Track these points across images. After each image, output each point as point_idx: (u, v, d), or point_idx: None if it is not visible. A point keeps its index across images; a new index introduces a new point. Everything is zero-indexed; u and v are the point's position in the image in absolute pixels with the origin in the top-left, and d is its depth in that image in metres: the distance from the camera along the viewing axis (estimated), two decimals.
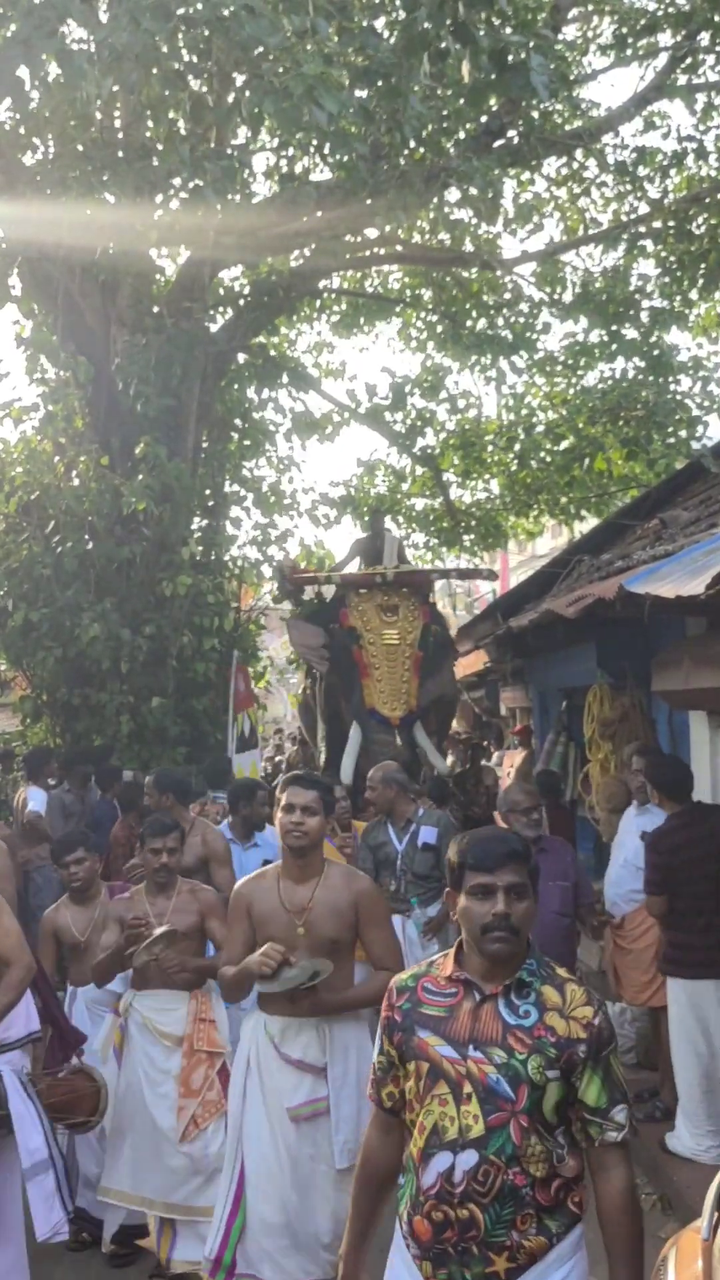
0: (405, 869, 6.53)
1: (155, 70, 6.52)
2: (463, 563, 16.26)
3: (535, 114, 10.20)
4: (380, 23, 7.80)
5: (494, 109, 10.16)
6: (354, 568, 11.09)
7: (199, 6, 6.09)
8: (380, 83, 6.69)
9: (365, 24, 6.78)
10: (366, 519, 13.10)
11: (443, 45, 6.47)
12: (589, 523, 15.16)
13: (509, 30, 7.13)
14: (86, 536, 10.33)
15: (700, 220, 12.15)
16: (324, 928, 3.94)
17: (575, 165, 12.56)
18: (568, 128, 11.69)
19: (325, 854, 6.11)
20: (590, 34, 12.57)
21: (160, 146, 9.07)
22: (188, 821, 6.15)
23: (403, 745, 9.31)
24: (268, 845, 6.38)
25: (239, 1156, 3.99)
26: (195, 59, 6.98)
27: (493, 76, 6.41)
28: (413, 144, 8.81)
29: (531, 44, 6.61)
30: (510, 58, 6.08)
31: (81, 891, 5.28)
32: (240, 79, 7.35)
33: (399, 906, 6.36)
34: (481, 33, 6.31)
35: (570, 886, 5.49)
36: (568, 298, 13.34)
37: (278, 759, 16.41)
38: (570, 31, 12.10)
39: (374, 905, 4.08)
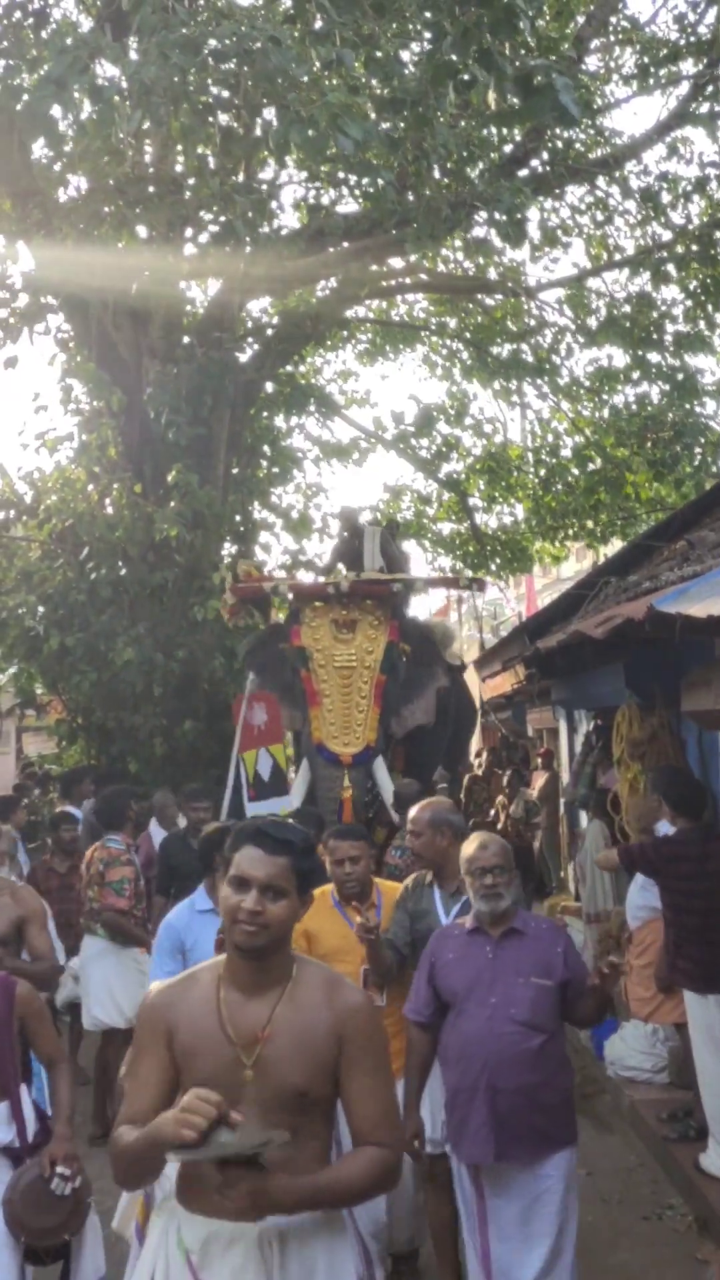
0: None
1: (184, 104, 6.67)
2: (488, 586, 16.19)
3: (563, 138, 10.33)
4: (406, 54, 7.95)
5: (518, 138, 10.33)
6: None
7: (227, 41, 6.24)
8: (406, 112, 6.83)
9: (392, 53, 6.91)
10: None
11: (466, 77, 6.60)
12: (615, 545, 15.21)
13: (533, 59, 7.22)
14: (120, 563, 10.49)
15: None
16: (287, 1070, 2.50)
17: (599, 193, 12.70)
18: (591, 156, 11.85)
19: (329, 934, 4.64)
20: (612, 64, 12.75)
21: (191, 180, 9.28)
22: None
23: (354, 787, 7.91)
24: None
25: None
26: (224, 92, 7.14)
27: (519, 102, 6.49)
28: (437, 173, 8.98)
29: (556, 67, 6.69)
30: (536, 80, 6.15)
31: None
32: (267, 111, 7.50)
33: None
34: (507, 57, 6.39)
35: (555, 987, 3.88)
36: (593, 324, 13.47)
37: None
38: (592, 62, 12.28)
39: (368, 1037, 2.61)
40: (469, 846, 4.10)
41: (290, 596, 8.62)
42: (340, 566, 9.29)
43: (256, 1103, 2.48)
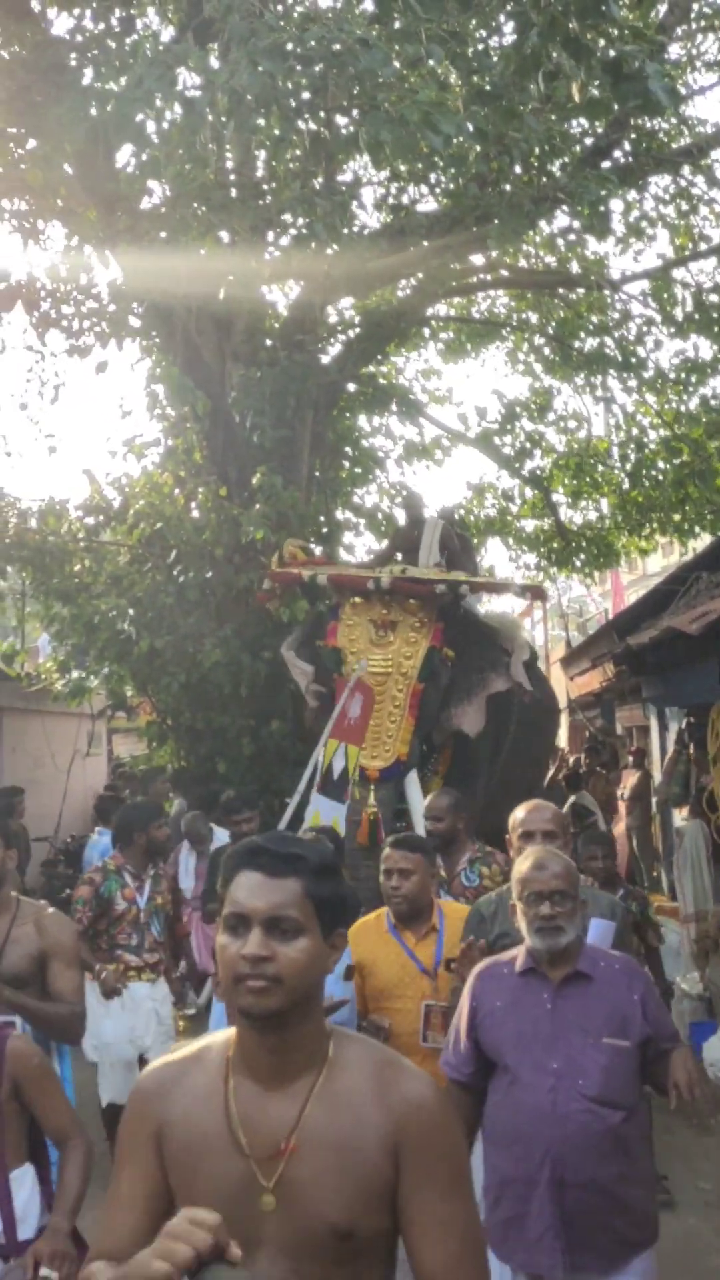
0: None
1: (275, 111, 6.71)
2: (574, 584, 16.08)
3: (651, 125, 10.17)
4: (493, 43, 7.89)
5: (600, 130, 10.20)
6: None
7: (312, 44, 6.26)
8: (488, 108, 6.77)
9: (480, 47, 6.86)
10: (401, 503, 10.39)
11: (550, 68, 6.52)
12: (704, 540, 14.98)
13: (621, 41, 7.12)
14: (207, 565, 10.59)
15: None
16: (321, 1198, 1.75)
17: (683, 183, 12.52)
18: (674, 145, 11.69)
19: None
20: (694, 51, 12.55)
21: (274, 184, 9.34)
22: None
23: (380, 806, 7.21)
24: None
25: None
26: (311, 95, 7.16)
27: (609, 91, 6.39)
28: (519, 168, 8.90)
29: (643, 51, 6.58)
30: (625, 68, 6.06)
31: None
32: (355, 111, 7.52)
33: None
34: (595, 43, 6.29)
35: (633, 1048, 3.03)
36: (679, 315, 13.28)
37: None
38: (674, 50, 12.09)
39: (439, 1144, 1.81)
40: (523, 864, 3.23)
41: (328, 585, 8.04)
42: (398, 555, 8.74)
43: (278, 1243, 1.73)
